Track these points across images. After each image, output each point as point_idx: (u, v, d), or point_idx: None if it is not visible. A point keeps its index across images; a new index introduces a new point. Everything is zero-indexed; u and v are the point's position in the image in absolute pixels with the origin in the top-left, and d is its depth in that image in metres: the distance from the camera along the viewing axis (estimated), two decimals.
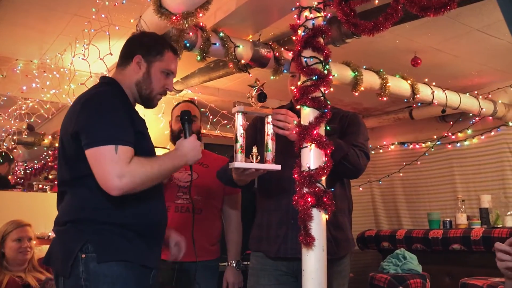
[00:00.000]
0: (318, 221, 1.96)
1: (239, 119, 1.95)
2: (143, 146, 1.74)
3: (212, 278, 2.51)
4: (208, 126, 4.70)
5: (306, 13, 2.16)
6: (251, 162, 1.92)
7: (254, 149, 1.92)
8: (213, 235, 2.56)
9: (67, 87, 3.40)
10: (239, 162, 1.88)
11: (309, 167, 2.02)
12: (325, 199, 1.99)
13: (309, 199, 1.96)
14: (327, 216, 2.00)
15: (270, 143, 1.97)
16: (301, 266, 1.95)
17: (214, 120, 4.61)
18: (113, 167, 1.55)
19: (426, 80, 3.86)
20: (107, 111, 1.64)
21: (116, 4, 2.43)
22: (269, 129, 1.98)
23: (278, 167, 1.95)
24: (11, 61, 3.61)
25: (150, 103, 1.88)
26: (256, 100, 2.01)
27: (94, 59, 3.09)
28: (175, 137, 2.56)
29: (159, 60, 1.82)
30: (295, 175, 2.06)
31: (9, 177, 4.25)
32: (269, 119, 2.00)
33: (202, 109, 4.62)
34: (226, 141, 4.67)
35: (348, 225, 2.27)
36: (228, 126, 4.68)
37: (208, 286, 2.50)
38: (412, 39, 3.35)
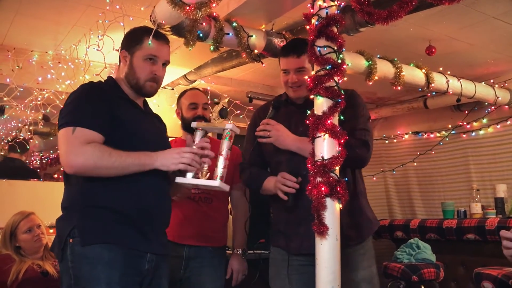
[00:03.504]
0: (332, 210, 1.97)
1: (198, 136, 1.98)
2: (127, 134, 1.79)
3: (219, 266, 2.53)
4: None
5: (319, 2, 2.15)
6: (198, 178, 1.91)
7: (205, 168, 1.91)
8: (221, 223, 2.58)
9: (82, 78, 3.44)
10: (181, 178, 1.87)
11: (322, 157, 2.02)
12: (338, 189, 1.99)
13: (323, 188, 1.97)
14: (340, 206, 2.01)
15: (220, 160, 1.94)
16: (315, 255, 1.96)
17: (227, 110, 4.61)
18: (68, 146, 1.68)
19: (441, 69, 3.81)
20: (78, 99, 1.77)
21: None
22: (223, 147, 1.96)
23: (216, 183, 1.88)
24: (27, 52, 3.65)
25: (142, 92, 1.91)
26: (218, 116, 2.09)
27: (108, 50, 3.11)
28: (187, 124, 2.54)
29: (139, 48, 1.87)
30: (309, 165, 2.07)
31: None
32: (226, 133, 1.99)
33: (215, 99, 4.65)
34: (240, 131, 4.66)
35: (367, 206, 2.26)
36: (241, 116, 4.69)
37: (216, 273, 2.51)
38: (427, 28, 3.31)
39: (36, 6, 2.98)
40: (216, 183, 1.86)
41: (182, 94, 2.70)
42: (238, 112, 4.65)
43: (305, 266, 2.18)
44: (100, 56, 3.15)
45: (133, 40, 1.89)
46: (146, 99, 2.02)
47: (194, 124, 1.97)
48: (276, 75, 4.34)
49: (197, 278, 2.44)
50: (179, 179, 1.83)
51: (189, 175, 1.85)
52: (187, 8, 2.07)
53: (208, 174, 1.89)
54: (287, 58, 2.23)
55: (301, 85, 2.20)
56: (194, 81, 4.19)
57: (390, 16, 1.92)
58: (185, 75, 4.02)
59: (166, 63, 1.95)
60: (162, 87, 4.34)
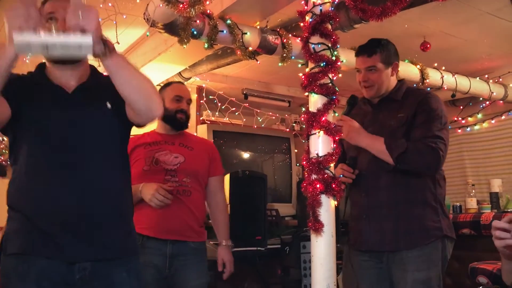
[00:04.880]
0: (327, 207, 1.98)
1: None
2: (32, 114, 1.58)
3: (202, 261, 2.51)
4: (217, 113, 4.71)
5: None
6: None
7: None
8: (201, 217, 2.55)
9: None
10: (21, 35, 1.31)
11: (317, 154, 2.03)
12: (333, 186, 2.00)
13: (318, 185, 1.98)
14: (335, 202, 2.01)
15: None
16: (311, 252, 1.97)
17: (223, 107, 4.61)
18: None
19: (436, 64, 3.82)
20: None
21: None
22: None
23: (88, 38, 1.33)
24: None
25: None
26: None
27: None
28: (170, 116, 2.50)
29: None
30: (304, 162, 2.08)
31: None
32: None
33: (210, 96, 4.64)
34: (234, 128, 4.67)
35: (429, 216, 2.11)
36: (236, 113, 4.69)
37: (202, 268, 2.48)
38: (422, 24, 3.31)
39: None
40: (87, 38, 1.33)
41: (167, 85, 2.64)
42: (234, 109, 4.64)
43: (369, 262, 2.19)
44: None
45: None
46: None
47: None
48: (271, 72, 4.37)
49: (183, 274, 2.40)
50: (17, 37, 1.28)
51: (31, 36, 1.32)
52: (180, 6, 2.06)
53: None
54: (359, 58, 2.26)
55: (372, 84, 2.21)
56: (189, 78, 4.17)
57: (384, 13, 1.93)
58: (179, 72, 4.01)
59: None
60: (157, 85, 4.33)
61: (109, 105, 1.64)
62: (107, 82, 1.56)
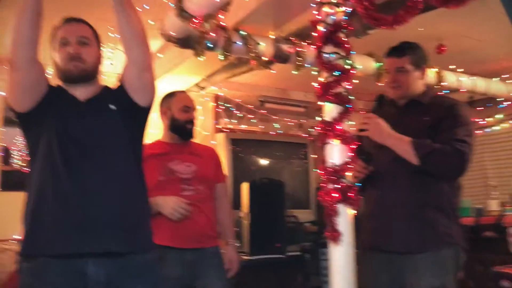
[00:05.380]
0: (345, 216, 1.98)
1: None
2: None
3: (220, 265, 2.51)
4: (234, 120, 4.75)
5: (325, 8, 2.17)
6: None
7: None
8: (215, 222, 2.58)
9: None
10: None
11: (333, 163, 2.03)
12: (350, 195, 2.00)
13: (335, 195, 1.98)
14: (353, 211, 2.02)
15: None
16: (329, 260, 1.98)
17: (240, 115, 4.65)
18: None
19: (452, 66, 3.80)
20: None
21: (140, 9, 2.48)
22: None
23: None
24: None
25: (69, 76, 1.77)
26: None
27: (120, 62, 3.15)
28: (180, 126, 2.53)
29: (53, 41, 1.78)
30: (320, 171, 2.09)
31: None
32: None
33: (227, 105, 4.69)
34: (252, 135, 4.70)
35: (443, 221, 2.08)
36: (253, 121, 4.72)
37: (221, 272, 2.50)
38: (436, 26, 3.30)
39: (47, 21, 3.04)
40: None
41: (171, 95, 2.63)
42: (251, 116, 4.68)
43: (377, 263, 2.15)
44: (112, 67, 3.20)
45: (51, 41, 1.80)
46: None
47: None
48: (287, 78, 4.38)
49: (204, 280, 2.42)
50: None
51: None
52: (195, 20, 2.10)
53: None
54: (388, 59, 2.24)
55: (400, 85, 2.18)
56: (206, 87, 4.23)
57: (396, 21, 1.92)
58: (196, 83, 4.06)
59: (82, 40, 1.77)
60: None
61: (113, 107, 1.78)
62: (113, 91, 1.81)
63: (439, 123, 2.09)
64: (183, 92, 2.75)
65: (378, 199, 2.19)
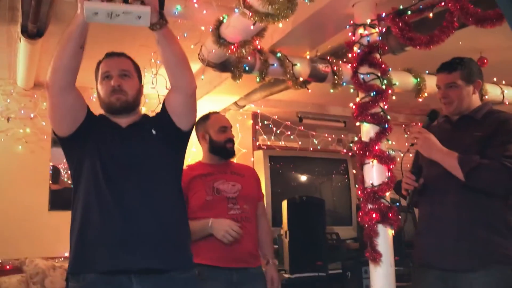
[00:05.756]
0: (385, 237, 1.98)
1: None
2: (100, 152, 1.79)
3: (263, 284, 2.53)
4: (273, 137, 4.79)
5: (360, 30, 2.19)
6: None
7: None
8: (257, 241, 2.61)
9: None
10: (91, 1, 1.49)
11: (372, 183, 2.04)
12: (390, 215, 2.00)
13: (374, 215, 1.99)
14: (393, 232, 2.01)
15: None
16: (370, 280, 1.98)
17: (278, 131, 4.69)
18: None
19: (495, 79, 3.70)
20: None
21: (179, 37, 2.57)
22: None
23: (147, 8, 1.51)
24: (88, 90, 3.88)
25: (112, 108, 1.85)
26: None
27: (162, 86, 3.27)
28: (220, 147, 2.59)
29: (97, 75, 1.89)
30: (359, 192, 2.10)
31: None
32: None
33: (265, 122, 4.74)
34: (290, 152, 4.71)
35: (493, 238, 2.00)
36: (292, 137, 4.75)
37: None
38: (476, 40, 3.24)
39: (94, 48, 3.17)
40: (146, 8, 1.50)
41: (206, 118, 2.69)
42: (289, 132, 4.71)
43: (431, 281, 2.08)
44: (155, 91, 3.31)
45: (95, 74, 1.92)
46: None
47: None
48: (325, 93, 4.39)
49: None
50: (88, 4, 1.48)
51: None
52: (232, 47, 2.16)
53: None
54: (439, 75, 2.24)
55: (451, 101, 2.17)
56: (244, 106, 4.30)
57: (431, 41, 1.93)
58: (235, 101, 4.14)
59: (123, 72, 1.87)
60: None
61: (154, 131, 1.86)
62: (154, 117, 1.92)
63: (491, 139, 2.03)
64: (216, 113, 2.81)
65: (429, 215, 2.15)
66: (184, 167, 2.03)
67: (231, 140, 2.62)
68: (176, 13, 2.41)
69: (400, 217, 2.10)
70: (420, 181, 2.12)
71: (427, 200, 2.16)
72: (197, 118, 2.66)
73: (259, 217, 2.66)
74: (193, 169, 2.63)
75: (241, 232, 2.36)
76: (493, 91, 3.55)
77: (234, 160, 2.79)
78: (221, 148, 2.59)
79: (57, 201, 4.06)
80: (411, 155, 2.27)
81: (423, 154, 2.10)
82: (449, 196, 2.07)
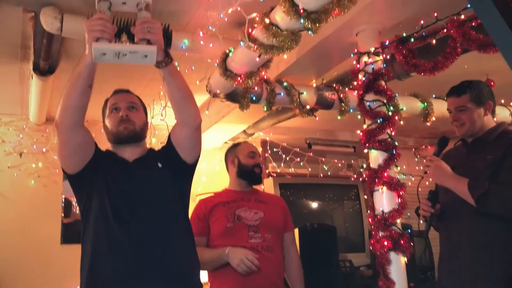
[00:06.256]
0: (397, 264, 1.96)
1: (102, 6, 1.59)
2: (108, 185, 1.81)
3: None
4: (282, 164, 4.80)
5: (365, 58, 2.22)
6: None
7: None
8: (282, 272, 2.57)
9: (149, 138, 3.65)
10: (99, 43, 1.51)
11: (382, 210, 2.03)
12: (402, 242, 1.98)
13: (386, 243, 1.97)
14: (405, 259, 1.99)
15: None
16: None
17: (287, 158, 4.69)
18: None
19: (503, 101, 3.70)
20: None
21: (187, 70, 2.63)
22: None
23: (153, 48, 1.54)
24: (98, 123, 3.94)
25: (120, 137, 1.88)
26: None
27: (171, 118, 3.31)
28: (248, 171, 2.59)
29: (104, 109, 1.95)
30: (369, 219, 2.09)
31: None
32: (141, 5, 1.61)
33: (274, 149, 4.75)
34: (300, 179, 4.70)
35: (508, 264, 1.97)
36: (301, 163, 4.75)
37: None
38: (482, 63, 3.25)
39: (104, 84, 3.24)
40: (152, 48, 1.53)
41: (236, 145, 2.74)
42: (298, 159, 4.71)
43: None
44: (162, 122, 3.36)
45: (103, 111, 1.98)
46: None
47: None
48: (333, 119, 4.39)
49: None
50: (96, 45, 1.50)
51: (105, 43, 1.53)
52: (239, 78, 2.20)
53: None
54: (449, 98, 2.23)
55: (463, 123, 2.16)
56: (253, 134, 4.32)
57: (435, 67, 1.95)
58: (244, 130, 4.17)
59: (131, 105, 1.93)
60: (224, 142, 4.53)
61: (160, 165, 1.89)
62: (159, 151, 1.93)
63: (502, 161, 2.01)
64: (246, 142, 2.87)
65: (447, 242, 2.13)
66: (210, 194, 2.04)
67: (259, 166, 2.61)
68: (184, 47, 2.47)
69: (412, 244, 2.08)
70: (436, 206, 2.11)
71: (445, 226, 2.14)
72: (228, 148, 2.75)
73: (287, 248, 2.61)
74: (217, 196, 2.64)
75: (257, 263, 2.33)
76: (501, 113, 3.54)
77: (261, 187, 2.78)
78: (249, 172, 2.59)
79: (69, 234, 4.08)
80: (427, 183, 2.26)
81: (436, 181, 2.10)
82: (464, 222, 2.05)
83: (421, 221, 2.09)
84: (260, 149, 4.84)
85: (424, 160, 2.12)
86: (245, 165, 2.61)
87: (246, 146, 2.70)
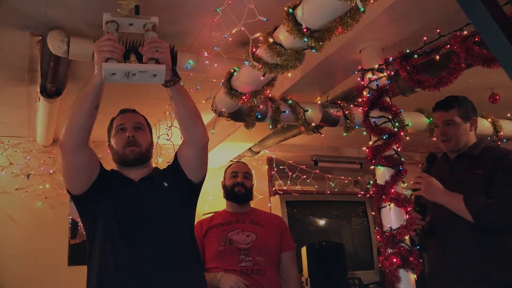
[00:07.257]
0: (406, 282, 1.94)
1: (110, 28, 1.60)
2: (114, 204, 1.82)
3: None
4: (289, 182, 4.78)
5: (369, 75, 2.22)
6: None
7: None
8: None
9: (155, 158, 3.66)
10: (108, 64, 1.53)
11: (390, 227, 2.01)
12: (411, 259, 1.96)
13: (394, 260, 1.95)
14: (415, 276, 1.96)
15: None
16: None
17: (294, 175, 4.68)
18: None
19: (509, 115, 3.69)
20: None
21: (192, 90, 2.64)
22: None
23: (162, 67, 1.55)
24: (104, 144, 3.96)
25: (125, 160, 1.89)
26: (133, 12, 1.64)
27: (177, 137, 3.32)
28: (229, 192, 2.63)
29: (111, 130, 1.97)
30: (378, 236, 2.07)
31: None
32: (148, 26, 1.64)
33: (280, 167, 4.74)
34: (307, 197, 4.68)
35: (508, 277, 1.96)
36: (308, 180, 4.73)
37: None
38: (487, 77, 3.25)
39: (109, 104, 3.27)
40: (161, 67, 1.54)
41: (227, 167, 2.79)
42: (305, 176, 4.69)
43: None
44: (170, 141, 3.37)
45: (108, 130, 2.00)
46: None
47: (106, 17, 1.60)
48: (339, 136, 4.39)
49: None
50: (106, 65, 1.52)
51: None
52: (243, 97, 2.21)
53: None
54: (436, 113, 2.27)
55: (450, 138, 2.20)
56: (259, 152, 4.32)
57: (440, 83, 1.95)
58: (250, 148, 4.17)
59: (137, 125, 1.95)
60: (230, 161, 4.53)
61: (166, 184, 1.89)
62: (165, 170, 1.95)
63: (492, 176, 2.03)
64: (235, 162, 2.88)
65: (440, 258, 2.12)
66: (208, 215, 2.02)
67: (239, 184, 2.62)
68: (189, 67, 2.49)
69: (422, 260, 2.05)
70: (426, 219, 2.12)
71: (437, 242, 2.13)
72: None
73: (285, 269, 2.59)
74: (215, 217, 2.64)
75: None
76: (507, 127, 3.53)
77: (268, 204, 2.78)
78: (230, 193, 2.63)
79: (76, 256, 4.06)
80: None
81: (427, 198, 2.10)
82: (458, 237, 2.05)
83: (410, 235, 2.08)
84: (266, 167, 4.84)
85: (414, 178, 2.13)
86: (226, 186, 2.66)
87: (231, 167, 2.74)
